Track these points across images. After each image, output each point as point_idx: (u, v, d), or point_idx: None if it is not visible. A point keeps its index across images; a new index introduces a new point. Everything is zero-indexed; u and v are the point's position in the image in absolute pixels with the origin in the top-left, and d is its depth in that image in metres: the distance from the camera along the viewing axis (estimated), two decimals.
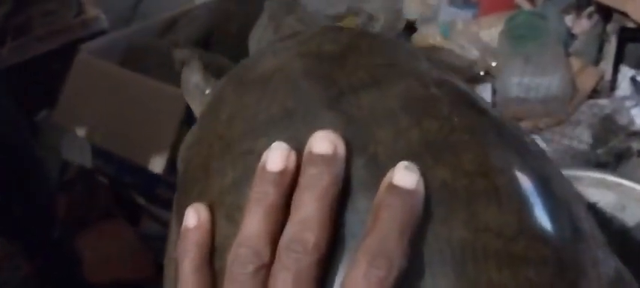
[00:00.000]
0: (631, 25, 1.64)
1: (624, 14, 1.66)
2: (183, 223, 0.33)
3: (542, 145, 1.58)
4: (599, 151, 1.41)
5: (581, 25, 1.74)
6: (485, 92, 1.66)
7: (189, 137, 0.41)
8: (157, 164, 0.99)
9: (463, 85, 0.37)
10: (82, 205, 1.40)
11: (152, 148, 1.00)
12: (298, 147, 0.32)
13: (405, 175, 0.30)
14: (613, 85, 1.63)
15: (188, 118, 1.00)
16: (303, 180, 0.31)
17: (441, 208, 0.30)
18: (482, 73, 1.74)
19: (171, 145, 0.99)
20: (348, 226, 0.30)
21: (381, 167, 0.30)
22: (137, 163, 1.03)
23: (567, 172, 0.95)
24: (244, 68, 0.40)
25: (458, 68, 1.79)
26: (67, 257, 0.99)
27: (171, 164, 1.02)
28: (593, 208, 0.97)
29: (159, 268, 1.47)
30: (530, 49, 1.62)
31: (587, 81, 1.65)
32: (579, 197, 0.36)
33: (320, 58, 0.36)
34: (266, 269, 0.30)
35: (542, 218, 0.31)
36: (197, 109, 0.52)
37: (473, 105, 0.35)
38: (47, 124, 1.40)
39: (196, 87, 0.53)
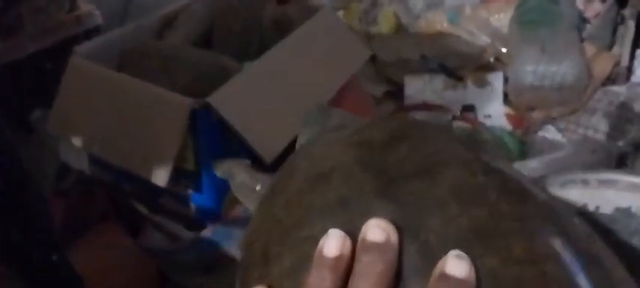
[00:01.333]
0: None
1: None
2: None
3: (556, 135, 1.53)
4: (620, 143, 1.35)
5: (594, 8, 1.68)
6: (496, 80, 1.61)
7: (251, 224, 0.43)
8: (160, 177, 0.94)
9: (510, 170, 0.38)
10: (79, 212, 1.35)
11: (154, 160, 0.94)
12: (353, 233, 0.33)
13: (456, 265, 0.31)
14: (629, 71, 1.57)
15: (194, 129, 0.94)
16: (358, 267, 0.32)
17: None
18: (492, 60, 1.68)
19: (175, 157, 0.92)
20: None
21: (433, 254, 0.32)
22: (139, 175, 0.97)
23: (600, 177, 0.90)
24: (298, 157, 0.43)
25: (467, 55, 1.74)
26: (66, 279, 0.94)
27: (176, 176, 0.96)
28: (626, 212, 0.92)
29: (161, 279, 1.44)
30: (543, 35, 1.56)
31: (602, 67, 1.60)
32: (627, 277, 0.34)
33: (371, 146, 0.38)
34: None
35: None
36: (250, 205, 0.56)
37: (520, 191, 0.35)
38: (42, 126, 1.35)
39: (243, 185, 0.56)
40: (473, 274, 0.31)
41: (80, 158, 1.25)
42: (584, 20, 1.69)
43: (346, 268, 0.33)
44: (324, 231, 0.34)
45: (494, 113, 1.60)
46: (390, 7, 1.95)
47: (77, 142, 1.04)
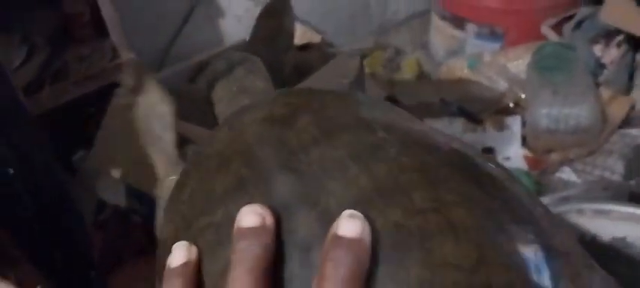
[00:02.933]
0: None
1: None
2: None
3: (573, 176, 1.57)
4: (632, 182, 1.39)
5: (611, 54, 1.73)
6: (515, 124, 1.66)
7: (163, 221, 0.42)
8: None
9: (420, 126, 0.37)
10: (116, 244, 1.42)
11: None
12: None
13: (348, 225, 0.29)
14: None
15: None
16: (234, 256, 0.31)
17: (395, 250, 0.29)
18: (511, 105, 1.74)
19: None
20: (305, 283, 0.30)
21: (333, 218, 0.30)
22: None
23: (595, 207, 0.94)
24: (203, 146, 0.41)
25: (486, 100, 1.80)
26: None
27: None
28: (622, 242, 0.96)
29: None
30: (559, 80, 1.62)
31: (618, 110, 1.64)
32: (550, 215, 0.33)
33: (271, 122, 0.37)
34: None
35: (503, 244, 0.30)
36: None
37: (425, 144, 0.34)
38: (83, 165, 1.44)
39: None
40: (367, 233, 0.29)
41: (117, 193, 1.34)
42: (601, 66, 1.74)
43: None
44: (226, 215, 0.33)
45: (513, 155, 1.64)
46: (413, 55, 2.04)
47: (116, 174, 1.13)
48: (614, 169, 1.57)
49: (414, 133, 0.35)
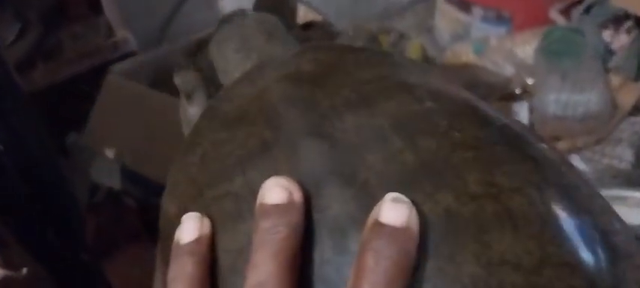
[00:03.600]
0: None
1: None
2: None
3: (581, 165, 1.54)
4: None
5: (620, 40, 1.69)
6: (522, 110, 1.62)
7: (167, 187, 0.36)
8: None
9: (465, 94, 0.33)
10: (110, 228, 1.39)
11: None
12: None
13: (392, 210, 0.26)
14: None
15: None
16: (255, 237, 0.27)
17: (445, 242, 0.26)
18: (518, 91, 1.70)
19: None
20: (339, 271, 0.26)
21: (373, 198, 0.27)
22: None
23: (609, 193, 0.91)
24: (219, 100, 0.36)
25: (492, 85, 1.76)
26: (95, 279, 0.98)
27: None
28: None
29: None
30: (567, 66, 1.58)
31: (627, 97, 1.60)
32: (610, 209, 0.30)
33: (299, 80, 0.32)
34: None
35: (569, 241, 0.26)
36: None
37: (477, 116, 0.30)
38: (77, 146, 1.40)
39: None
40: (414, 221, 0.26)
41: (112, 175, 1.30)
42: (610, 52, 1.70)
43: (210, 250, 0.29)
44: (246, 184, 0.29)
45: None
46: (417, 39, 1.99)
47: (110, 153, 1.08)
48: (622, 157, 1.53)
49: (462, 102, 0.31)
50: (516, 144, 0.29)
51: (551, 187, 0.28)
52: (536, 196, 0.27)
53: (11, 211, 0.90)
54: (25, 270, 0.73)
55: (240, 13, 0.51)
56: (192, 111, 0.48)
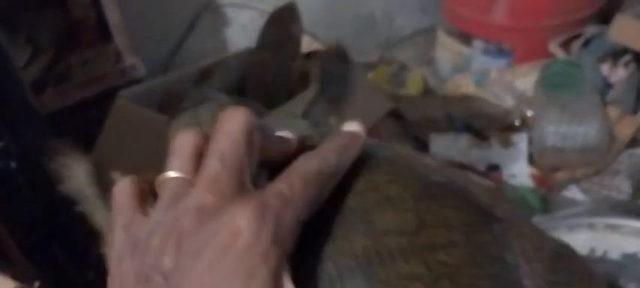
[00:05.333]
0: None
1: None
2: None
3: (579, 195, 1.56)
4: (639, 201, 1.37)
5: (618, 74, 1.72)
6: (521, 141, 1.65)
7: None
8: None
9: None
10: None
11: None
12: None
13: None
14: None
15: None
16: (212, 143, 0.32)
17: (340, 226, 0.31)
18: (517, 123, 1.72)
19: None
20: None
21: None
22: None
23: (603, 220, 0.92)
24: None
25: (492, 116, 1.78)
26: None
27: None
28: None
29: None
30: (566, 98, 1.60)
31: (625, 130, 1.63)
32: (477, 183, 0.36)
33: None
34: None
35: (442, 208, 0.32)
36: None
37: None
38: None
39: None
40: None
41: None
42: (608, 85, 1.73)
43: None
44: None
45: (519, 173, 1.63)
46: (418, 70, 2.03)
47: (117, 176, 1.11)
48: (620, 188, 1.55)
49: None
50: (393, 153, 0.36)
51: (426, 175, 0.34)
52: (410, 183, 0.33)
53: (21, 228, 0.92)
54: (36, 284, 0.75)
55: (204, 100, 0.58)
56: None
